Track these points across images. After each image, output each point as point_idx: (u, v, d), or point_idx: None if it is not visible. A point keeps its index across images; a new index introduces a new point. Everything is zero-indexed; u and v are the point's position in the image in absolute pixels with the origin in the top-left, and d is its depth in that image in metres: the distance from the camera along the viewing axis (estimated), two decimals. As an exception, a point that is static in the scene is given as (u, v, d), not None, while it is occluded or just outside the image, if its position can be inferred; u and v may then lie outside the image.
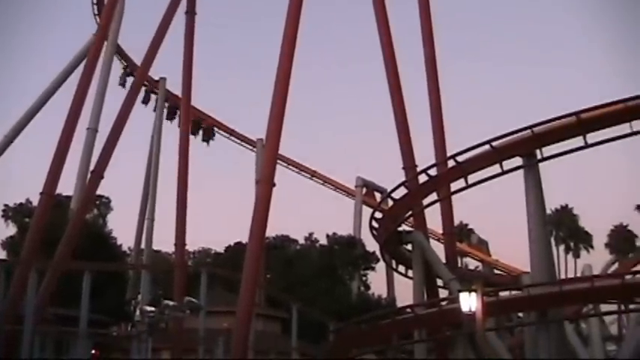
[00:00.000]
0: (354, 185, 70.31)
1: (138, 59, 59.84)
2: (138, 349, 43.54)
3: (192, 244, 74.81)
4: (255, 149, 61.81)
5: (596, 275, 43.64)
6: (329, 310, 53.87)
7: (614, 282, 37.79)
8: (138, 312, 44.82)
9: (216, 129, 71.65)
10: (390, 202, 41.08)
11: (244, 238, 46.19)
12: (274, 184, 41.41)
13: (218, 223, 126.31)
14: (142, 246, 63.10)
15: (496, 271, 71.59)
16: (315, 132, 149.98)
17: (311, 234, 77.38)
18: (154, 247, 64.03)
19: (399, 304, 57.33)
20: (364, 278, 66.86)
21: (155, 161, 62.07)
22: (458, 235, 66.02)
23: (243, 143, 71.42)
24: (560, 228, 78.21)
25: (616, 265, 63.12)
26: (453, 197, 43.36)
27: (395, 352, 47.08)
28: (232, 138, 72.19)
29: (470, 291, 22.13)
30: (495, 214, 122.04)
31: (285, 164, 69.96)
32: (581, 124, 31.93)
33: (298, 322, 53.53)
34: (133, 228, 66.03)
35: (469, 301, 21.89)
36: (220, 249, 78.04)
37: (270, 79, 42.98)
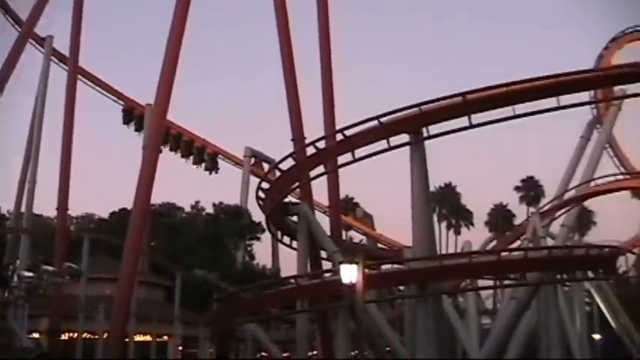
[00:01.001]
0: (243, 155, 69.81)
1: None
2: (14, 315, 42.09)
3: (75, 209, 72.85)
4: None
5: (474, 251, 45.25)
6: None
7: (491, 258, 39.33)
8: (15, 277, 43.20)
9: (104, 91, 69.51)
10: (278, 174, 41.05)
11: (130, 205, 45.21)
12: (161, 150, 40.70)
13: (103, 188, 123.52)
14: (23, 209, 60.79)
15: (380, 245, 73.06)
16: (205, 100, 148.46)
17: (197, 202, 76.75)
18: (35, 211, 61.78)
19: (284, 274, 57.64)
20: (249, 248, 66.89)
21: (39, 122, 59.60)
22: (343, 208, 66.92)
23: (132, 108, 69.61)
24: (443, 205, 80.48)
25: (494, 243, 65.48)
26: (340, 171, 43.68)
27: (277, 321, 47.45)
28: (120, 102, 70.29)
29: (351, 263, 22.39)
30: (381, 190, 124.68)
31: (174, 131, 68.72)
32: (466, 105, 32.73)
33: (182, 290, 53.10)
34: (13, 191, 63.46)
35: (350, 273, 22.17)
36: (105, 215, 76.36)
37: (162, 44, 42.12)
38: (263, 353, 59.66)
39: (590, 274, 44.80)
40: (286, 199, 43.01)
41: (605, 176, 53.27)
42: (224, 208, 64.95)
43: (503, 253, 39.71)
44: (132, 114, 68.67)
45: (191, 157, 70.06)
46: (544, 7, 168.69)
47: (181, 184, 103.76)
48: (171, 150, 67.84)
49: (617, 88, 47.88)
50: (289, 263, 44.56)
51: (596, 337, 60.78)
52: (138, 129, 66.26)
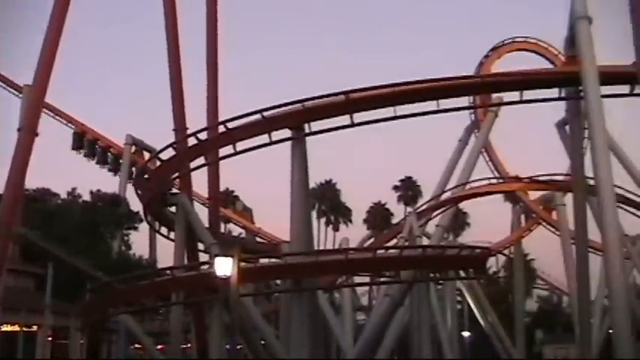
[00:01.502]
0: (123, 143, 68.10)
1: None
2: None
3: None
4: (21, 95, 57.98)
5: (350, 248, 46.01)
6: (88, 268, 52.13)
7: (367, 255, 40.09)
8: None
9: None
10: (158, 163, 40.32)
11: (2, 189, 43.32)
12: (37, 134, 39.23)
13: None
14: None
15: (258, 239, 73.04)
16: (88, 85, 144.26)
17: (74, 189, 74.16)
18: None
19: (161, 266, 56.71)
20: (126, 238, 65.29)
21: None
22: (223, 201, 66.48)
23: (8, 88, 66.63)
24: (323, 201, 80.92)
25: (372, 240, 66.66)
26: (222, 163, 43.40)
27: (152, 313, 46.68)
28: None
29: (227, 256, 22.29)
30: (262, 184, 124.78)
31: (52, 114, 66.34)
32: (349, 104, 33.25)
33: (54, 278, 51.36)
34: None
35: (225, 266, 22.07)
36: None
37: (44, 24, 40.52)
38: (136, 345, 58.61)
39: (461, 273, 46.28)
40: (165, 190, 42.40)
41: (480, 179, 55.34)
42: (101, 195, 63.09)
43: (379, 251, 40.51)
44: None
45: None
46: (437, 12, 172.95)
47: (58, 169, 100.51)
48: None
49: (494, 96, 49.74)
50: (167, 255, 43.93)
51: (466, 334, 63.03)
52: None
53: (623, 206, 49.86)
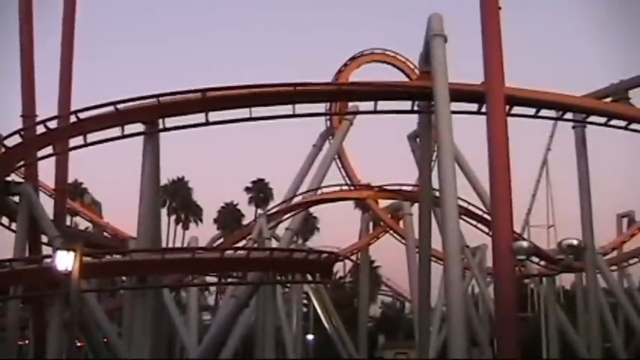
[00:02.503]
0: (-34, 126, 64.54)
1: None
2: None
3: None
4: None
5: (198, 247, 45.65)
6: None
7: (214, 255, 39.95)
8: None
9: None
10: (3, 150, 38.43)
11: None
12: None
13: None
14: None
15: (106, 234, 71.07)
16: None
17: None
18: None
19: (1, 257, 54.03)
20: (-39, 227, 61.84)
21: None
22: (71, 193, 64.30)
23: None
24: (174, 199, 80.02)
25: (221, 240, 66.46)
26: (72, 155, 41.93)
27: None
28: None
29: (68, 250, 21.65)
30: (113, 177, 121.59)
31: None
32: (205, 102, 33.10)
33: None
34: None
35: (66, 261, 21.44)
36: None
37: None
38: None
39: (308, 277, 46.88)
40: (9, 178, 40.51)
41: (332, 186, 56.24)
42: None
43: (228, 251, 40.43)
44: None
45: None
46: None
47: None
48: None
49: (351, 104, 50.80)
50: (7, 247, 41.81)
51: (310, 336, 64.01)
52: None
53: (466, 218, 52.13)
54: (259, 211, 75.47)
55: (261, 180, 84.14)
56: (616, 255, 63.73)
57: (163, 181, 68.77)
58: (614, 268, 61.24)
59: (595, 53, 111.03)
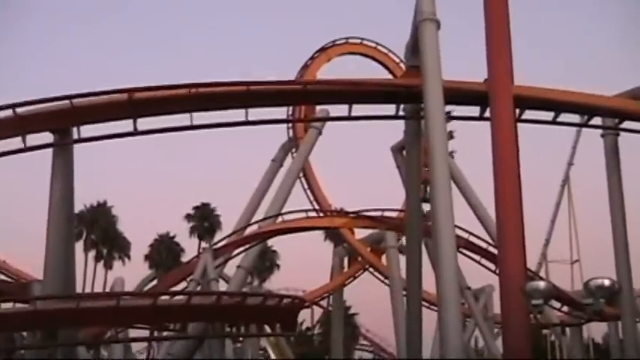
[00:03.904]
0: None
1: None
2: None
3: None
4: None
5: (124, 292, 45.18)
6: None
7: (145, 302, 39.43)
8: None
9: None
10: None
11: None
12: None
13: None
14: None
15: (1, 277, 70.13)
16: None
17: None
18: None
19: None
20: None
21: None
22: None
23: None
24: (93, 229, 79.16)
25: (154, 283, 65.93)
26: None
27: None
28: None
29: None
30: (11, 201, 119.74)
31: None
32: (133, 105, 32.88)
33: None
34: None
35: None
36: None
37: None
38: None
39: (266, 328, 46.61)
40: None
41: (296, 211, 56.03)
42: None
43: (162, 297, 40.02)
44: None
45: None
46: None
47: None
48: None
49: (319, 108, 50.78)
50: None
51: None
52: None
53: (466, 251, 52.21)
54: (203, 244, 74.95)
55: (205, 205, 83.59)
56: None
57: (79, 206, 68.06)
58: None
59: (628, 42, 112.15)
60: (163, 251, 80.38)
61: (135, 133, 33.36)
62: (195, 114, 33.75)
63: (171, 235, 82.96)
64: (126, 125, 33.38)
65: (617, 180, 42.65)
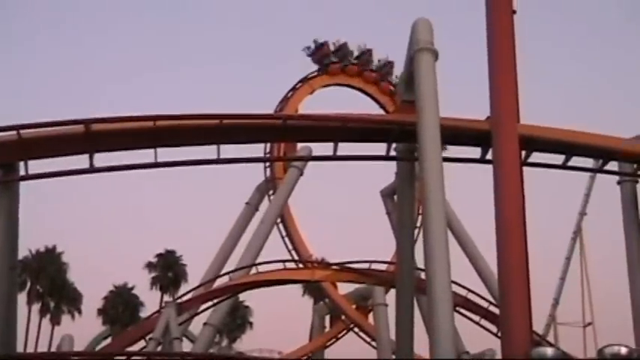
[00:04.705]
0: None
1: None
2: None
3: None
4: None
5: (75, 352, 44.88)
6: None
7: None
8: None
9: None
10: None
11: None
12: None
13: None
14: None
15: None
16: None
17: None
18: None
19: None
20: None
21: None
22: None
23: None
24: (39, 279, 78.60)
25: (108, 341, 65.45)
26: None
27: None
28: None
29: None
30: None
31: None
32: (90, 138, 32.84)
33: None
34: None
35: None
36: None
37: None
38: None
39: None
40: None
41: (272, 262, 55.83)
42: None
43: (117, 358, 39.89)
44: None
45: None
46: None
47: None
48: None
49: (300, 146, 50.96)
50: None
51: None
52: None
53: (464, 311, 52.19)
54: (166, 297, 74.57)
55: (169, 252, 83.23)
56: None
57: (23, 252, 67.74)
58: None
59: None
60: (120, 305, 79.74)
61: (91, 169, 33.34)
62: (160, 149, 33.78)
63: (130, 286, 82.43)
64: (81, 161, 33.38)
65: (636, 232, 42.40)
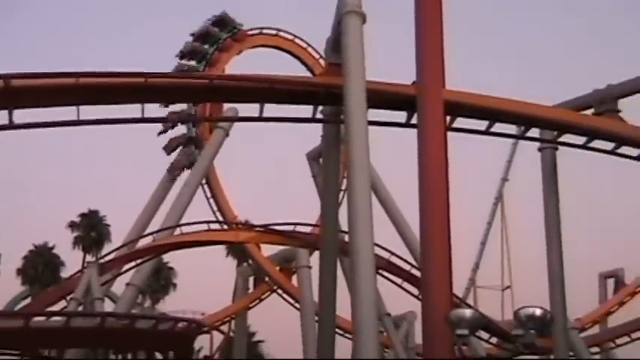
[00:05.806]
0: None
1: None
2: None
3: None
4: None
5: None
6: None
7: (15, 324, 38.78)
8: None
9: None
10: None
11: None
12: None
13: None
14: None
15: None
16: None
17: None
18: None
19: None
20: None
21: None
22: None
23: None
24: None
25: (28, 301, 64.96)
26: None
27: None
28: None
29: None
30: None
31: None
32: (10, 93, 32.26)
33: None
34: None
35: None
36: None
37: None
38: None
39: (158, 356, 46.22)
40: None
41: (196, 223, 55.60)
42: None
43: (36, 318, 39.47)
44: None
45: None
46: None
47: None
48: None
49: (227, 106, 50.62)
50: None
51: None
52: None
53: (386, 274, 52.48)
54: (88, 257, 74.03)
55: (93, 212, 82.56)
56: (598, 332, 65.09)
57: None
58: (594, 349, 62.40)
59: (570, 49, 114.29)
60: (40, 264, 79.03)
61: (11, 126, 32.74)
62: (83, 107, 33.32)
63: (50, 245, 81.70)
64: (0, 116, 32.80)
65: (555, 199, 43.39)
